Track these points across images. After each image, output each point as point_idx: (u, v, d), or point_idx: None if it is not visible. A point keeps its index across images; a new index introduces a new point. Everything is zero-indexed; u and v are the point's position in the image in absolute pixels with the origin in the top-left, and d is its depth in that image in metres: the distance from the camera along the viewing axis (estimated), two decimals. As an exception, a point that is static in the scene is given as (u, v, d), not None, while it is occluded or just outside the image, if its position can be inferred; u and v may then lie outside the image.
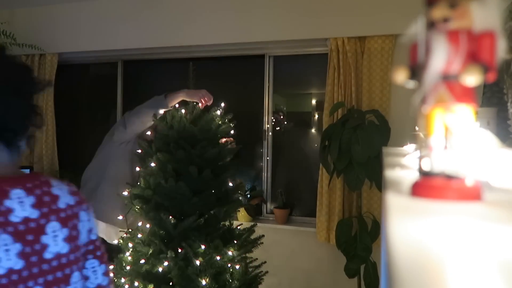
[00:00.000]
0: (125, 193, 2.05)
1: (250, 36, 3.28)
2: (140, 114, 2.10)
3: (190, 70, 2.37)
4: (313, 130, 3.52)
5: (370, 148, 2.58)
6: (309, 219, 3.33)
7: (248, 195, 3.48)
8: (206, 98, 2.17)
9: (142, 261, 2.04)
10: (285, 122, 3.60)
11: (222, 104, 2.16)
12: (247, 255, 2.27)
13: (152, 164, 2.12)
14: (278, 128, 3.54)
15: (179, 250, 2.02)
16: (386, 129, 2.69)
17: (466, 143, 0.46)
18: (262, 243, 2.35)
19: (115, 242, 2.06)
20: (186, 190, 2.03)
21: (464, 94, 0.46)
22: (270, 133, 3.45)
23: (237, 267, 2.12)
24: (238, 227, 2.34)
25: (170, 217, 2.06)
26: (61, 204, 0.87)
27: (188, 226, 2.02)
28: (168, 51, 3.60)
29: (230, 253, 2.09)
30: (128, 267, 2.08)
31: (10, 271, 0.75)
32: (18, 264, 0.77)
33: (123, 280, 2.06)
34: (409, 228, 0.36)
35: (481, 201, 0.47)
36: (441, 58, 0.45)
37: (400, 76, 0.49)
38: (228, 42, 3.33)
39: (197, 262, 1.99)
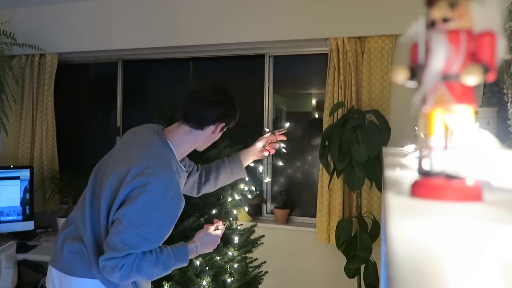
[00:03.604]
0: None
1: (250, 36, 3.28)
2: (167, 267, 1.45)
3: (190, 70, 2.38)
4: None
5: (370, 148, 2.58)
6: (309, 219, 3.34)
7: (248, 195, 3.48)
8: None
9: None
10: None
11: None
12: (247, 255, 2.27)
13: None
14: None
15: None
16: (386, 129, 2.69)
17: (466, 143, 0.46)
18: (262, 243, 2.35)
19: None
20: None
21: (464, 94, 0.46)
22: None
23: (236, 266, 2.12)
24: (238, 227, 2.34)
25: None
26: None
27: (188, 226, 2.02)
28: (168, 51, 3.60)
29: (230, 253, 2.09)
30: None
31: None
32: None
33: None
34: (409, 228, 0.36)
35: (481, 201, 0.47)
36: (441, 58, 0.45)
37: (400, 76, 0.49)
38: (228, 42, 3.33)
39: (197, 262, 1.99)
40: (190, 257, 1.51)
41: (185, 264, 1.50)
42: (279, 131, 1.81)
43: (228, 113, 1.55)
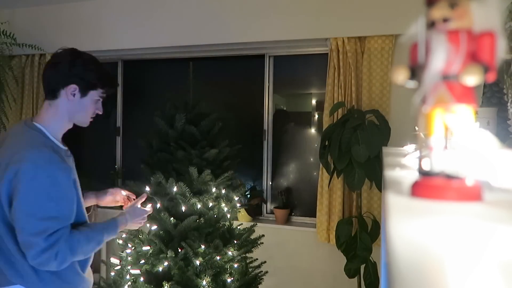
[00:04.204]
0: None
1: (250, 36, 3.27)
2: (100, 241, 1.45)
3: (190, 70, 2.38)
4: (313, 130, 3.52)
5: (370, 148, 2.58)
6: (309, 219, 3.33)
7: (248, 195, 3.48)
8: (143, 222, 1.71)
9: (142, 261, 2.04)
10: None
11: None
12: (247, 255, 2.27)
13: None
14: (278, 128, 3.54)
15: (179, 250, 2.02)
16: (386, 129, 2.69)
17: (466, 143, 0.46)
18: (262, 243, 2.35)
19: None
20: (187, 190, 2.03)
21: (464, 94, 0.46)
22: (270, 133, 3.45)
23: (236, 266, 2.12)
24: (238, 227, 2.34)
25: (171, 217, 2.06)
26: None
27: (188, 226, 2.02)
28: (168, 51, 3.60)
29: (230, 253, 2.09)
30: (128, 267, 2.08)
31: None
32: None
33: (128, 277, 2.06)
34: (409, 228, 0.36)
35: (481, 201, 0.47)
36: (441, 58, 0.45)
37: (400, 76, 0.49)
38: (228, 42, 3.33)
39: (197, 262, 1.99)
40: (120, 229, 1.56)
41: (114, 236, 1.53)
42: (140, 198, 1.74)
43: (73, 72, 1.43)
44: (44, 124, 1.44)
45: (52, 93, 1.45)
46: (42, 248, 1.28)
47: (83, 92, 1.45)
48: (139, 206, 1.66)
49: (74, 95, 1.44)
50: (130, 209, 1.64)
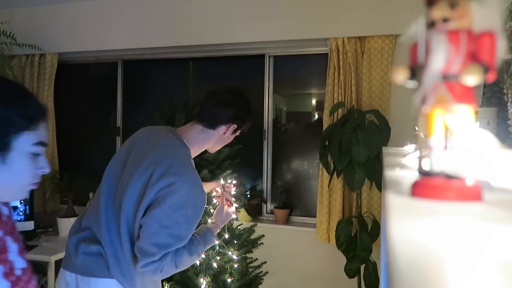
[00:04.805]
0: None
1: (250, 36, 3.28)
2: (199, 253, 1.51)
3: (190, 70, 2.38)
4: (313, 130, 3.52)
5: (370, 148, 2.58)
6: (309, 219, 3.34)
7: (248, 195, 3.48)
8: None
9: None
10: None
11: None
12: (247, 255, 2.27)
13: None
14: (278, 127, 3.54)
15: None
16: (386, 129, 2.69)
17: (466, 143, 0.46)
18: (262, 243, 2.36)
19: None
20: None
21: (464, 94, 0.46)
22: (270, 133, 3.45)
23: (236, 266, 2.12)
24: (238, 227, 2.34)
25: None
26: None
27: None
28: (168, 51, 3.60)
29: (230, 253, 2.09)
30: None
31: None
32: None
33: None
34: (409, 228, 0.36)
35: (481, 201, 0.47)
36: (441, 58, 0.45)
37: (400, 76, 0.49)
38: (228, 42, 3.33)
39: (197, 262, 1.99)
40: (215, 231, 1.64)
41: (214, 243, 1.62)
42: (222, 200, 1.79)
43: (239, 115, 1.58)
44: (190, 144, 1.53)
45: (211, 124, 1.56)
46: (154, 260, 1.35)
47: (236, 131, 1.62)
48: (227, 210, 1.72)
49: (230, 132, 1.59)
50: (219, 217, 1.69)
